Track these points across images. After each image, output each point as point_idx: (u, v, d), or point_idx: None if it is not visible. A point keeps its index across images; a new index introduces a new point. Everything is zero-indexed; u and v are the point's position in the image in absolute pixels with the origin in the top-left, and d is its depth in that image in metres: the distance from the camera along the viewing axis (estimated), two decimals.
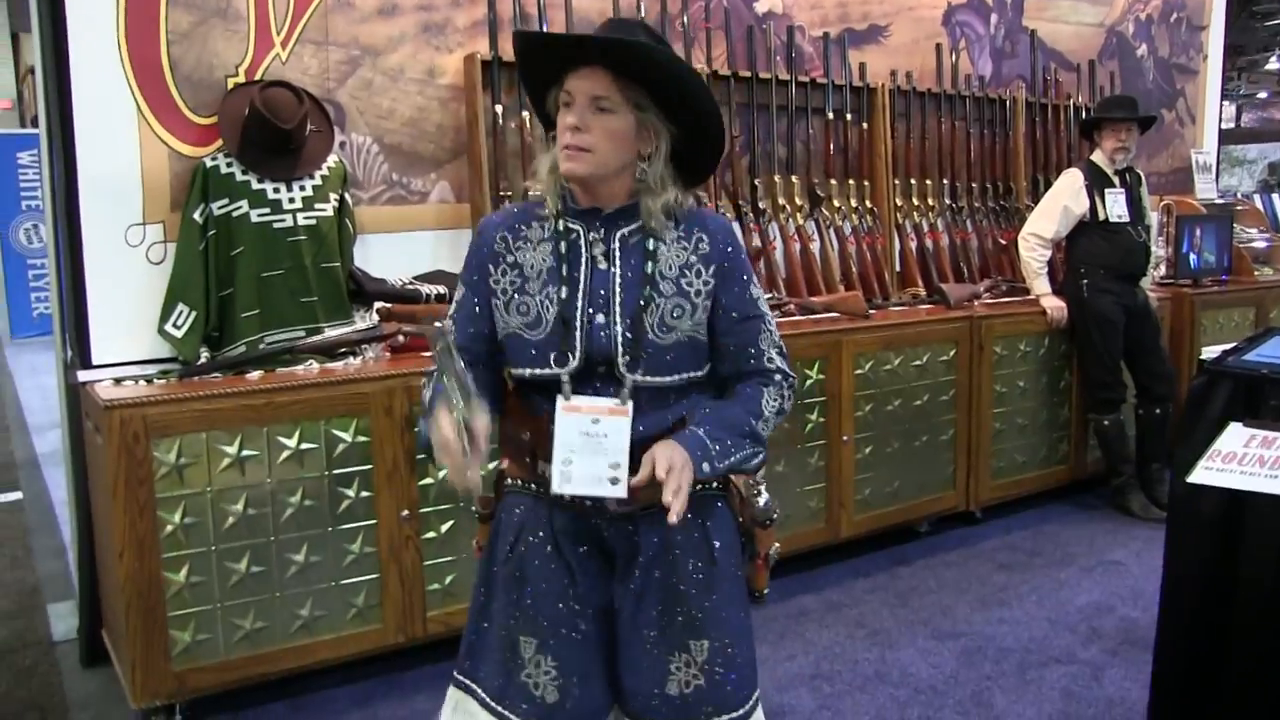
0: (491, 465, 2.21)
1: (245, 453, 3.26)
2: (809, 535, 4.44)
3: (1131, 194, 5.28)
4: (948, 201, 5.64)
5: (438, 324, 1.98)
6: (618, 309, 1.94)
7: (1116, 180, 5.26)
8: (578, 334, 1.93)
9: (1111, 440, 5.32)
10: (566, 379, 1.93)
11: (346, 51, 3.97)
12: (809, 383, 4.35)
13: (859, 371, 4.50)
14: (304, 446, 3.35)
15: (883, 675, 3.63)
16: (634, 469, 1.89)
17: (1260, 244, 6.93)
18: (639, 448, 1.91)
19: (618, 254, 1.98)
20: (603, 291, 1.95)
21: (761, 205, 4.93)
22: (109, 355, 3.59)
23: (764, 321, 2.06)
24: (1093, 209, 5.22)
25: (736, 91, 4.85)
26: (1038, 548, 4.84)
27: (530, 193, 2.07)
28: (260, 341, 3.64)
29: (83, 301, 3.56)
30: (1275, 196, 9.90)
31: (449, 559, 3.60)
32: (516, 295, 1.99)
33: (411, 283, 3.97)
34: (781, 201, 5.00)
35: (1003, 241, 5.80)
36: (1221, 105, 7.67)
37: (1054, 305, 5.25)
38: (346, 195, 3.86)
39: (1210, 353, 3.00)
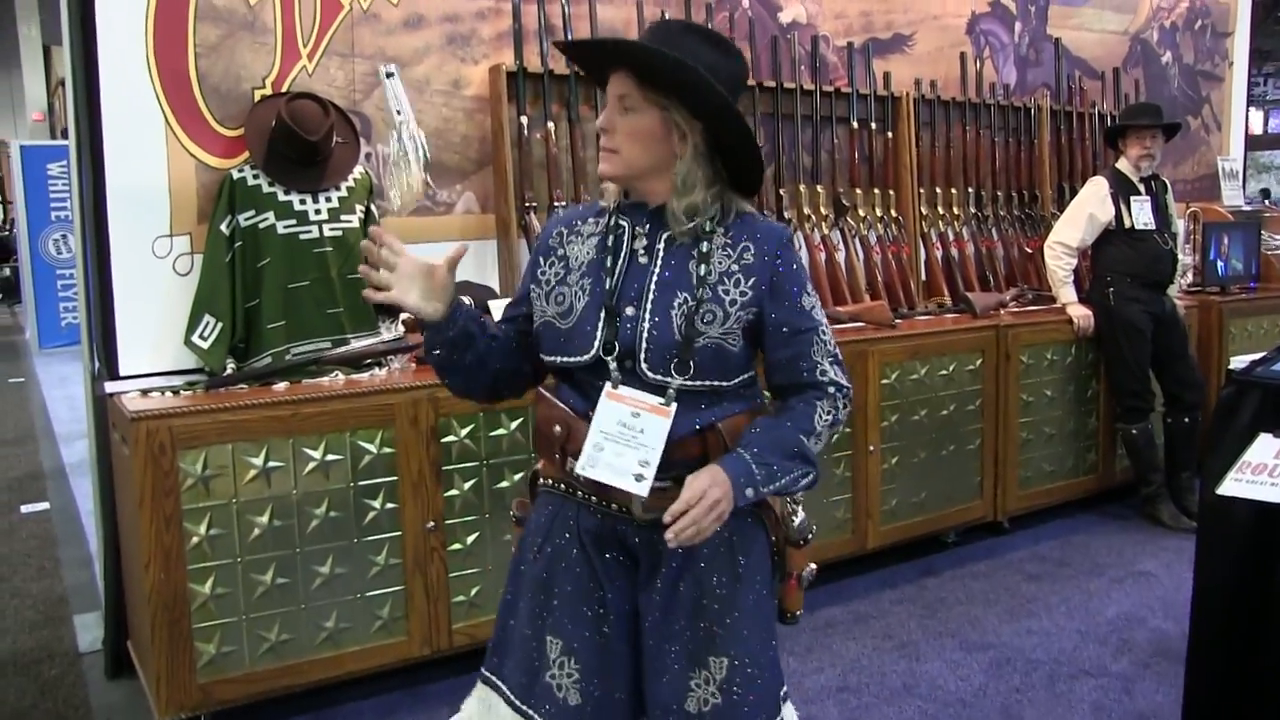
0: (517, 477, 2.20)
1: (271, 464, 3.27)
2: (836, 546, 4.42)
3: (1157, 201, 5.25)
4: (973, 210, 5.62)
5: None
6: (649, 305, 1.93)
7: (1142, 187, 5.23)
8: (600, 325, 1.94)
9: (1140, 449, 5.28)
10: (614, 365, 1.93)
11: (372, 63, 3.98)
12: None
13: (885, 381, 4.49)
14: (329, 458, 3.35)
15: (910, 688, 3.60)
16: (665, 467, 1.90)
17: None
18: (671, 448, 1.91)
19: (661, 252, 1.98)
20: (637, 285, 1.96)
21: (787, 215, 4.92)
22: (136, 366, 3.60)
23: (817, 333, 2.01)
24: (1118, 216, 5.19)
25: (761, 101, 4.85)
26: (1066, 558, 4.81)
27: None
28: (286, 353, 3.65)
29: (110, 312, 3.57)
30: None
31: (474, 571, 3.60)
32: (557, 286, 2.01)
33: None
34: (807, 211, 4.99)
35: (1028, 250, 5.77)
36: (1248, 111, 7.61)
37: (1080, 314, 5.22)
38: (372, 206, 3.87)
39: (1239, 362, 2.97)
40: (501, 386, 2.14)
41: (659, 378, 1.92)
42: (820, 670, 3.73)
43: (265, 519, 3.27)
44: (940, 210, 5.46)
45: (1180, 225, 5.75)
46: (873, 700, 3.52)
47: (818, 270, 4.93)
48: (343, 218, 3.74)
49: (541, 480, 2.11)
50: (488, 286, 4.13)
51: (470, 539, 3.58)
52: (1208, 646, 2.78)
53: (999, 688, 3.59)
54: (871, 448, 4.46)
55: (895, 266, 5.21)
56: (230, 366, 3.61)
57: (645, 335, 1.92)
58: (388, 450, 3.43)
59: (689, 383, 1.92)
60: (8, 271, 17.97)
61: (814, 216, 5.00)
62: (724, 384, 1.97)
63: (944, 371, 4.70)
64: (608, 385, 1.94)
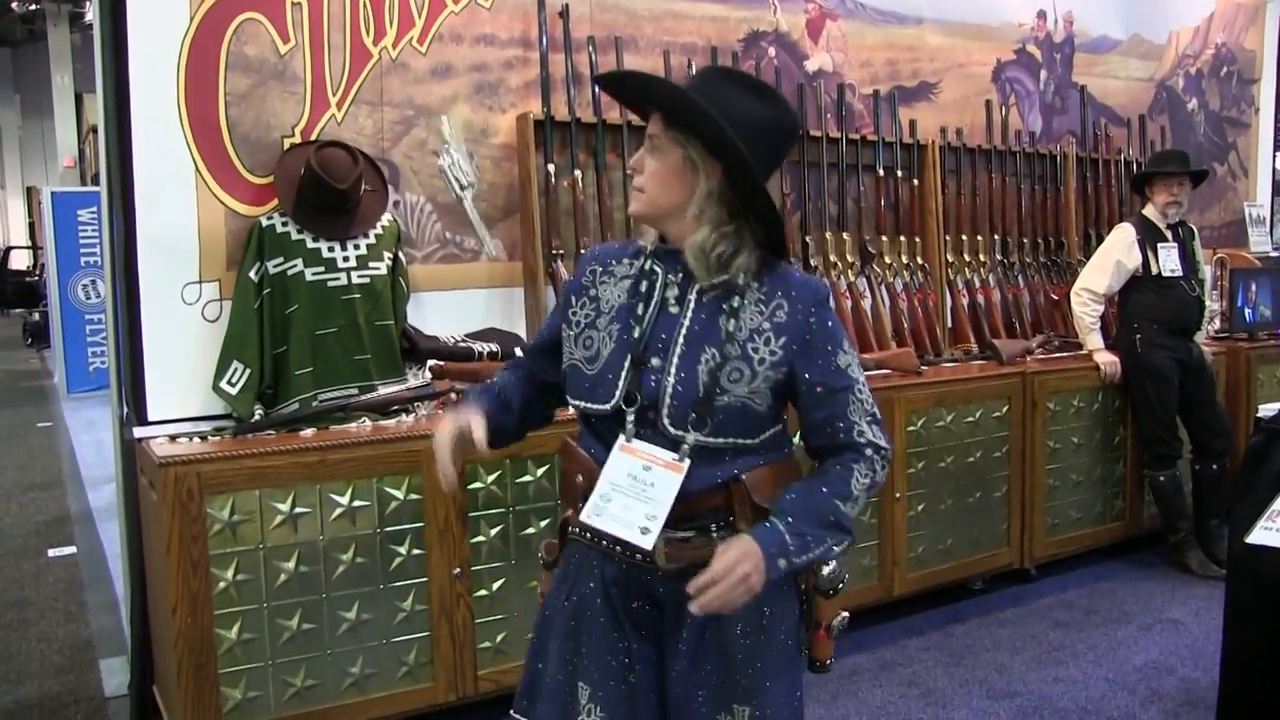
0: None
1: (298, 510, 3.28)
2: (862, 594, 4.39)
3: (1184, 248, 5.24)
4: (999, 257, 5.62)
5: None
6: (675, 359, 1.91)
7: (1169, 234, 5.22)
8: (623, 375, 1.92)
9: (1168, 496, 5.24)
10: (631, 417, 1.92)
11: (401, 112, 4.02)
12: None
13: (911, 428, 4.48)
14: (356, 504, 3.36)
15: None
16: (672, 520, 1.89)
17: None
18: (681, 501, 1.89)
19: (692, 303, 1.95)
20: (664, 336, 1.94)
21: (813, 262, 4.93)
22: (164, 411, 3.62)
23: (853, 391, 1.96)
24: (1145, 263, 5.18)
25: None
26: (1094, 605, 4.77)
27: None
28: (314, 399, 3.67)
29: (139, 358, 3.60)
30: None
31: (500, 617, 3.59)
32: (586, 328, 2.01)
33: (464, 340, 3.99)
34: (833, 258, 5.00)
35: (1055, 297, 5.77)
36: (1275, 157, 7.60)
37: (1107, 360, 5.20)
38: (400, 254, 3.90)
39: (1268, 410, 2.96)
40: (526, 427, 2.21)
41: (679, 432, 1.90)
42: (847, 718, 3.70)
43: (292, 564, 3.27)
44: (966, 257, 5.46)
45: (1207, 272, 5.74)
46: None
47: (844, 317, 4.93)
48: (371, 265, 3.77)
49: (570, 528, 2.09)
50: (514, 334, 4.15)
51: (496, 585, 3.58)
52: (1239, 697, 2.76)
53: None
54: (898, 495, 4.44)
55: (921, 313, 5.21)
56: (258, 412, 3.63)
57: (669, 390, 1.90)
58: (414, 496, 3.43)
59: (710, 439, 1.90)
60: (37, 316, 18.10)
61: (840, 264, 5.01)
62: (748, 441, 1.94)
63: (970, 418, 4.68)
64: (621, 438, 1.93)
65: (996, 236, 5.61)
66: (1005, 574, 4.99)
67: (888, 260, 5.19)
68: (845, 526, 1.93)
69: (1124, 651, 4.24)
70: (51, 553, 6.06)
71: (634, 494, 1.89)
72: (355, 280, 3.73)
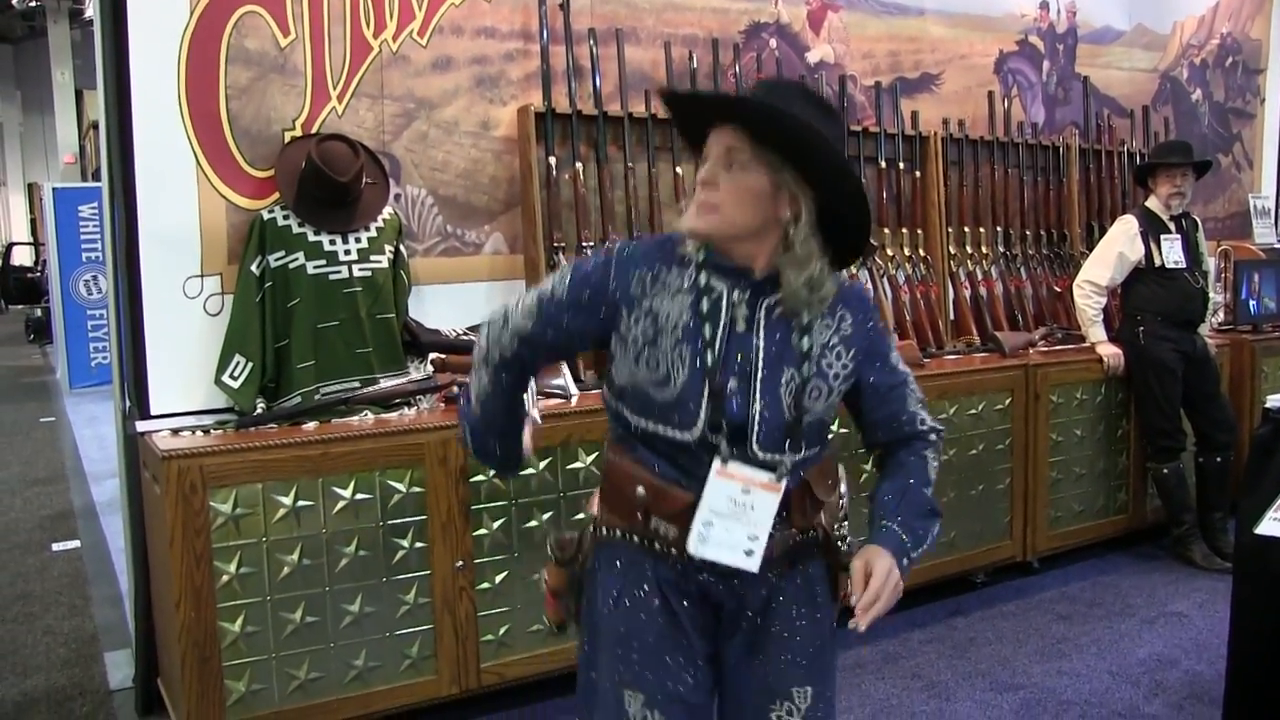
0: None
1: (301, 503, 3.28)
2: None
3: (1188, 239, 5.22)
4: (1001, 249, 5.61)
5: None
6: (759, 384, 1.87)
7: (1172, 226, 5.21)
8: (704, 401, 1.86)
9: (1172, 489, 5.23)
10: (723, 443, 1.87)
11: (402, 105, 4.02)
12: None
13: None
14: (359, 497, 3.36)
15: None
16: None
17: None
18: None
19: (761, 323, 1.89)
20: (739, 357, 1.87)
21: None
22: (166, 405, 3.62)
23: (908, 385, 2.04)
24: (1148, 255, 5.17)
25: None
26: (1097, 598, 4.77)
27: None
28: (316, 392, 3.66)
29: (141, 352, 3.60)
30: None
31: (503, 610, 3.60)
32: (648, 347, 1.88)
33: (466, 333, 3.99)
34: None
35: (1057, 289, 5.76)
36: None
37: (1110, 353, 5.19)
38: (401, 247, 3.90)
39: (1275, 401, 2.95)
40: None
41: (771, 456, 1.88)
42: (849, 711, 3.70)
43: (295, 557, 3.27)
44: (969, 249, 5.45)
45: (1211, 263, 5.72)
46: None
47: None
48: (372, 258, 3.77)
49: (605, 530, 2.03)
50: None
51: (499, 578, 3.58)
52: (1247, 689, 2.75)
53: None
54: None
55: (924, 306, 5.20)
56: (260, 406, 3.63)
57: (757, 416, 1.87)
58: (417, 489, 3.43)
59: (796, 458, 1.90)
60: (39, 312, 18.12)
61: None
62: (819, 450, 1.97)
63: (973, 411, 4.68)
64: (717, 463, 1.87)
65: (999, 228, 5.60)
66: (1008, 567, 4.99)
67: (890, 252, 5.18)
68: (938, 511, 2.03)
69: (1127, 644, 4.23)
70: (56, 547, 6.07)
71: (734, 517, 1.87)
72: (357, 273, 3.73)
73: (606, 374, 2.02)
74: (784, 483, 1.89)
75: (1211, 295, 5.46)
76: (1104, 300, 5.30)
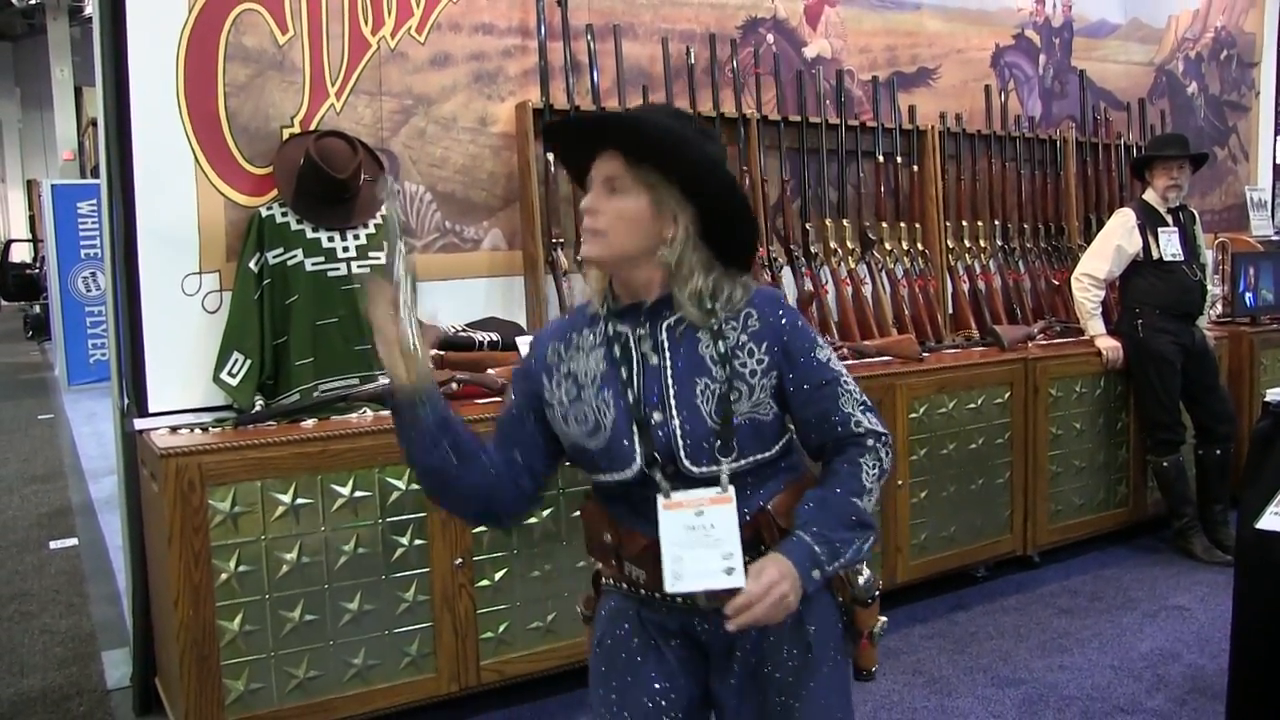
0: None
1: (299, 501, 3.27)
2: None
3: (1185, 232, 5.22)
4: (999, 243, 5.61)
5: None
6: (673, 401, 1.87)
7: (1169, 219, 5.21)
8: (635, 438, 1.87)
9: (1172, 482, 5.23)
10: (659, 475, 1.86)
11: (400, 101, 4.01)
12: None
13: (913, 415, 4.47)
14: (358, 494, 3.35)
15: None
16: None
17: None
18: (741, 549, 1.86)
19: (666, 345, 1.90)
20: (656, 388, 1.88)
21: (813, 249, 4.92)
22: (165, 403, 3.62)
23: (840, 384, 1.95)
24: (1146, 248, 5.17)
25: (787, 136, 4.86)
26: (1098, 592, 4.76)
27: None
28: (314, 390, 3.66)
29: (139, 349, 3.60)
30: None
31: (503, 607, 3.59)
32: (574, 404, 1.93)
33: (464, 330, 3.98)
34: (833, 245, 4.99)
35: (1056, 282, 5.76)
36: (1276, 141, 7.58)
37: (1109, 346, 5.19)
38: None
39: (1276, 394, 2.94)
40: (497, 509, 2.01)
41: (706, 470, 1.86)
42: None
43: (294, 555, 3.27)
44: (967, 243, 5.45)
45: (1209, 256, 5.72)
46: None
47: (845, 305, 4.93)
48: (371, 254, 3.76)
49: (605, 580, 2.07)
50: (514, 323, 4.14)
51: (499, 575, 3.57)
52: (1249, 682, 2.75)
53: None
54: (900, 482, 4.43)
55: (922, 300, 5.20)
56: (259, 403, 3.63)
57: (678, 433, 1.86)
58: (416, 487, 3.42)
59: (735, 465, 1.87)
60: (38, 309, 18.10)
61: (840, 251, 5.00)
62: (766, 455, 1.92)
63: (972, 405, 4.68)
64: (660, 498, 1.86)
65: (997, 222, 5.60)
66: (1009, 561, 4.99)
67: (888, 246, 5.18)
68: (868, 523, 1.91)
69: (1129, 638, 4.23)
70: (53, 545, 6.07)
71: (699, 544, 1.84)
72: (355, 270, 3.72)
73: None
74: (731, 490, 1.85)
75: (1209, 288, 5.46)
76: (1102, 293, 5.30)
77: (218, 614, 3.17)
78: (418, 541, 3.44)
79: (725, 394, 1.86)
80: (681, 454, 1.86)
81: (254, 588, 3.23)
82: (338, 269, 3.70)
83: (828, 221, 5.00)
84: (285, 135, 3.78)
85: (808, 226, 4.93)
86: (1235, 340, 5.86)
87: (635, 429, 1.87)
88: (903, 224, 5.25)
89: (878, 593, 2.05)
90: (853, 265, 5.02)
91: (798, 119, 4.91)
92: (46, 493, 7.43)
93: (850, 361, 4.61)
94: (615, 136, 1.86)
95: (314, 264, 3.67)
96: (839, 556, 1.85)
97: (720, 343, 1.88)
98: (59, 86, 20.81)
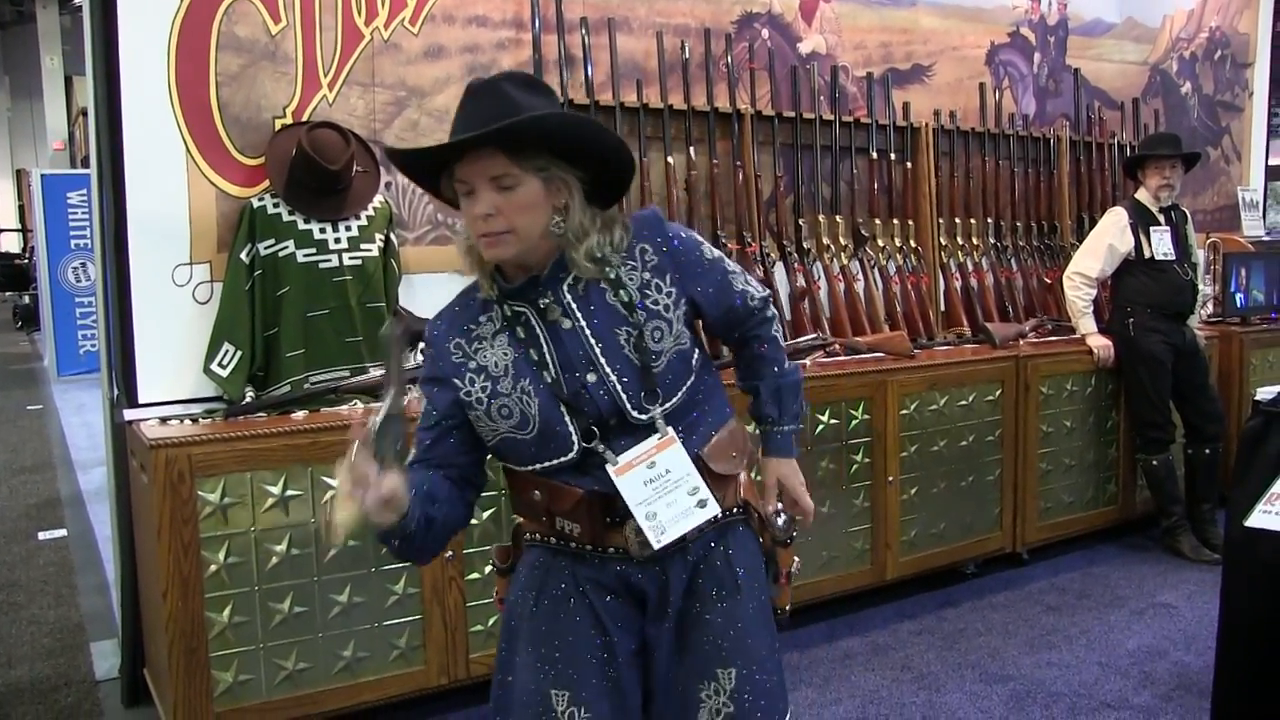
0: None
1: (289, 493, 3.27)
2: (854, 577, 4.39)
3: (1177, 232, 5.23)
4: (992, 240, 5.61)
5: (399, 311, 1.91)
6: (602, 359, 1.89)
7: (1161, 218, 5.22)
8: (567, 419, 1.89)
9: (1161, 481, 5.25)
10: (600, 445, 1.89)
11: (393, 93, 4.00)
12: (854, 423, 4.32)
13: (904, 412, 4.47)
14: None
15: None
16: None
17: None
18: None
19: (575, 307, 1.92)
20: (580, 350, 1.90)
21: (806, 245, 4.92)
22: (155, 394, 3.61)
23: (727, 271, 2.07)
24: (1138, 247, 5.18)
25: (781, 131, 4.86)
26: (1086, 589, 4.77)
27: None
28: (305, 381, 3.65)
29: (129, 340, 3.58)
30: None
31: (492, 600, 3.58)
32: (492, 400, 1.92)
33: None
34: (826, 241, 4.98)
35: (1048, 280, 5.76)
36: (1268, 142, 7.60)
37: (1100, 344, 5.20)
38: (392, 235, 3.88)
39: (1266, 393, 2.94)
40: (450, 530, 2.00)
41: (651, 414, 1.90)
42: (839, 702, 3.70)
43: (283, 547, 3.26)
44: (959, 241, 5.45)
45: (1200, 256, 5.73)
46: None
47: (837, 301, 4.93)
48: (362, 246, 3.75)
49: (528, 535, 2.08)
50: None
51: (488, 568, 3.56)
52: (1235, 681, 2.76)
53: None
54: (890, 478, 4.44)
55: (914, 297, 5.20)
56: (249, 395, 3.62)
57: (618, 387, 1.89)
58: None
59: (671, 403, 1.92)
60: (27, 299, 18.07)
61: (833, 247, 5.00)
62: (690, 380, 1.96)
63: (963, 402, 4.68)
64: (609, 468, 1.89)
65: (990, 220, 5.60)
66: (998, 558, 4.99)
67: (880, 243, 5.18)
68: (792, 371, 2.18)
69: (1117, 635, 4.24)
70: (42, 535, 6.06)
71: (664, 490, 1.90)
72: (347, 262, 3.71)
73: None
74: (670, 430, 1.92)
75: (1201, 287, 5.47)
76: (1094, 292, 5.31)
77: (207, 605, 3.17)
78: None
79: (644, 336, 1.90)
80: (627, 405, 1.89)
81: (243, 579, 3.22)
82: (329, 261, 3.68)
83: (821, 217, 5.00)
84: (277, 126, 3.76)
85: (800, 222, 4.93)
86: (1226, 340, 5.87)
87: (564, 410, 1.89)
88: (896, 221, 5.25)
89: (795, 534, 2.16)
90: (845, 261, 5.02)
91: (792, 114, 4.90)
92: (35, 483, 7.41)
93: (842, 357, 4.62)
94: (497, 140, 1.81)
95: (305, 255, 3.66)
96: (798, 419, 2.18)
97: (623, 290, 1.92)
98: (49, 75, 20.75)
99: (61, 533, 6.11)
